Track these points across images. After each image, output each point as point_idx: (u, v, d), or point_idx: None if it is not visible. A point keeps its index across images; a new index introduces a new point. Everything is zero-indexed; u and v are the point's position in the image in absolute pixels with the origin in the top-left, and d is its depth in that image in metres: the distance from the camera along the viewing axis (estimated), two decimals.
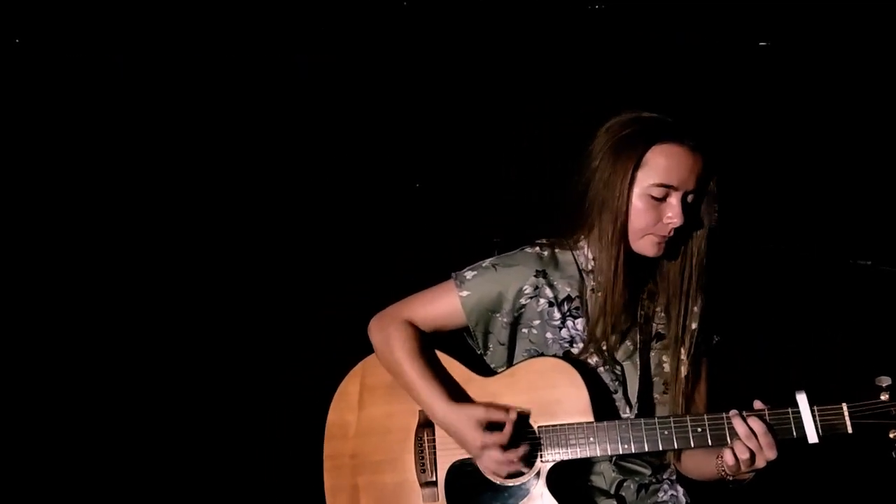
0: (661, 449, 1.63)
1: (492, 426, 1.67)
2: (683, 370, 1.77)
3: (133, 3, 2.61)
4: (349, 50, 2.73)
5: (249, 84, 2.71)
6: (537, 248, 1.82)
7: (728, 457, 1.57)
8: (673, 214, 1.66)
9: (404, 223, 2.74)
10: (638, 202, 1.67)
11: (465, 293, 1.78)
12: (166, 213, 2.70)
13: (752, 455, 1.54)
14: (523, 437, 1.69)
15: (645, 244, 1.70)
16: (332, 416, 1.86)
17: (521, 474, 1.69)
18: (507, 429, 1.64)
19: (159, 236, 2.69)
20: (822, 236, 2.58)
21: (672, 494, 1.79)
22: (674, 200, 1.66)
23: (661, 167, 1.65)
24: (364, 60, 2.74)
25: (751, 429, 1.55)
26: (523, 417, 1.70)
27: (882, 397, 1.51)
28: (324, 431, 1.86)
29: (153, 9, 2.62)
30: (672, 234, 1.69)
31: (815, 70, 2.63)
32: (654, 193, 1.66)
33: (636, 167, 1.66)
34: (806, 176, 2.62)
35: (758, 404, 1.59)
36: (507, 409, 1.67)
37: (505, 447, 1.63)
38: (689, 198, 1.69)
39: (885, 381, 1.52)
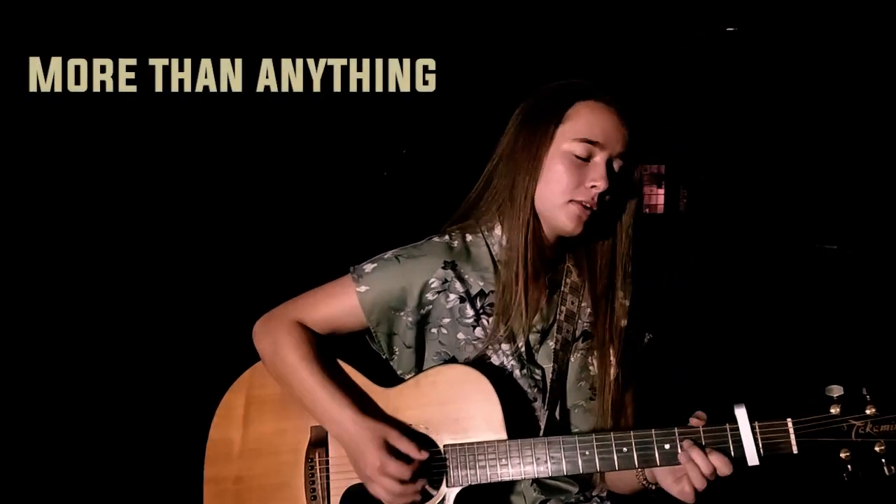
0: (580, 472, 1.42)
1: (397, 453, 1.46)
2: (613, 373, 1.56)
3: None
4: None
5: None
6: (446, 237, 1.60)
7: (686, 487, 1.39)
8: (597, 176, 1.48)
9: (284, 213, 2.51)
10: (560, 164, 1.50)
11: (363, 288, 1.55)
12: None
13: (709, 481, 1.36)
14: (429, 457, 1.48)
15: (564, 215, 1.50)
16: (215, 433, 1.63)
17: (428, 498, 1.48)
18: (413, 466, 1.44)
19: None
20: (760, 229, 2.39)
21: None
22: (598, 159, 1.50)
23: (584, 121, 1.50)
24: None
25: (700, 467, 1.36)
26: (427, 437, 1.49)
27: (832, 410, 1.30)
28: (204, 451, 1.63)
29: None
30: (595, 204, 1.49)
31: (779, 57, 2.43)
32: (577, 151, 1.49)
33: (558, 123, 1.50)
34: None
35: (694, 421, 1.39)
36: (419, 447, 1.45)
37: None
38: (616, 165, 1.51)
39: (837, 390, 1.31)
